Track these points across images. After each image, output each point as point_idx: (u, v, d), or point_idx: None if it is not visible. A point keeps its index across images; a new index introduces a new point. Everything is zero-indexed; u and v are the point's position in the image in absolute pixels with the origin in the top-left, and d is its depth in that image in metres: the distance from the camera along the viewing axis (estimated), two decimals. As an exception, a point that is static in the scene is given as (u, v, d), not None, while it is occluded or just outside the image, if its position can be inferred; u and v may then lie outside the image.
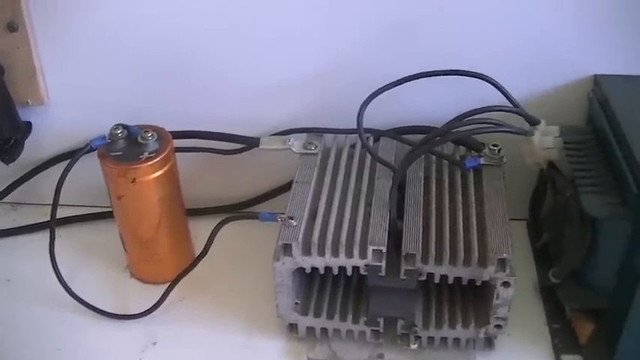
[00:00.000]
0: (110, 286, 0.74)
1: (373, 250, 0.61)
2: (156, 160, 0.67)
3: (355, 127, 0.71)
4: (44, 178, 0.81)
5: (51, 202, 0.81)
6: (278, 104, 0.74)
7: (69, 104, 0.77)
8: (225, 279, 0.74)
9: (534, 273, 0.73)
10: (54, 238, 0.70)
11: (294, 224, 0.63)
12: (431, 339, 0.65)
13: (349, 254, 0.62)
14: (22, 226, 0.81)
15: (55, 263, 0.69)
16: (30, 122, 0.77)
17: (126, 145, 0.68)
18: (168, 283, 0.71)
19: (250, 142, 0.71)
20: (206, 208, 0.79)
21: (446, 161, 0.70)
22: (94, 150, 0.68)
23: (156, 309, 0.70)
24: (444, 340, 0.65)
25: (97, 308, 0.70)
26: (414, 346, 0.65)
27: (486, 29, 0.69)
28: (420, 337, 0.65)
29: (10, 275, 0.76)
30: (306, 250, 0.62)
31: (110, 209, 0.80)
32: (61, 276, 0.69)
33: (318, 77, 0.73)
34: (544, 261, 0.73)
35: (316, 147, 0.70)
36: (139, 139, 0.68)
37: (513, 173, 0.71)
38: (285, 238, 0.62)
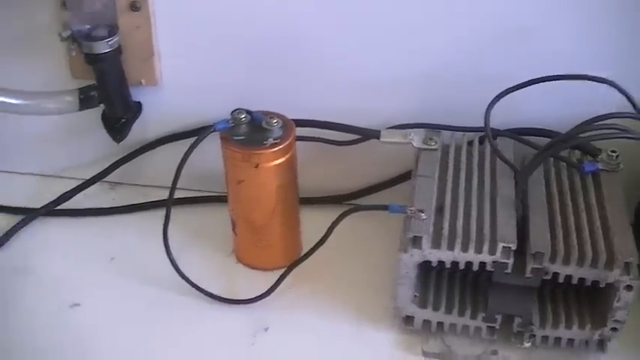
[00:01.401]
0: (215, 270, 0.74)
1: (503, 247, 0.62)
2: (280, 147, 0.68)
3: (471, 125, 0.72)
4: (146, 159, 0.81)
5: (152, 184, 0.83)
6: (389, 98, 0.75)
7: (180, 87, 0.77)
8: (335, 268, 0.74)
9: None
10: (169, 219, 0.70)
11: (424, 217, 0.63)
12: (545, 338, 0.66)
13: (478, 250, 0.62)
14: (124, 206, 0.82)
15: (168, 245, 0.70)
16: (140, 102, 0.78)
17: (249, 130, 0.69)
18: (277, 270, 0.72)
19: (370, 134, 0.71)
20: (310, 198, 0.79)
21: (563, 164, 0.70)
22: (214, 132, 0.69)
23: (269, 295, 0.70)
24: (557, 340, 0.66)
25: (207, 292, 0.70)
26: (527, 344, 0.66)
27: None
28: (534, 336, 0.66)
29: (114, 254, 0.76)
30: (436, 244, 0.63)
31: (215, 194, 0.81)
32: (173, 258, 0.70)
33: (434, 73, 0.73)
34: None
35: (436, 143, 0.71)
36: (264, 125, 0.68)
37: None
38: (416, 230, 0.62)
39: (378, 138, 0.71)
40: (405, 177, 0.77)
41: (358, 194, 0.80)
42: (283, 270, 0.71)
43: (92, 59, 0.72)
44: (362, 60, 0.73)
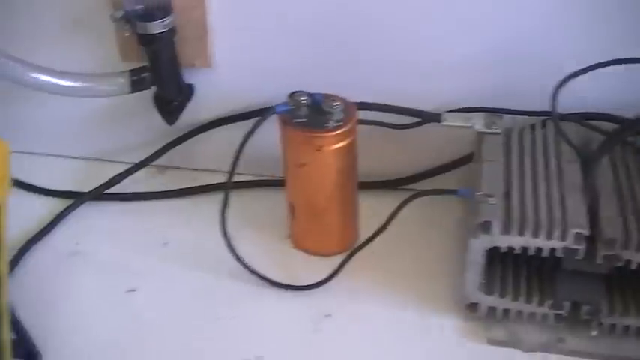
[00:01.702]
0: (271, 255, 0.73)
1: (575, 232, 0.60)
2: (343, 130, 0.66)
3: (534, 109, 0.71)
4: (196, 142, 0.80)
5: (201, 168, 0.82)
6: (448, 80, 0.73)
7: (234, 69, 0.75)
8: (394, 254, 0.72)
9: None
10: (227, 204, 0.68)
11: (493, 202, 0.62)
12: (612, 326, 0.65)
13: (549, 235, 0.61)
14: (175, 190, 0.80)
15: (226, 231, 0.68)
16: (192, 85, 0.76)
17: (309, 113, 0.67)
18: (334, 256, 0.71)
19: (432, 118, 0.70)
20: (365, 183, 0.78)
21: (628, 148, 0.69)
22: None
23: (330, 280, 0.69)
24: (625, 328, 0.65)
25: (267, 278, 0.69)
26: (594, 333, 0.65)
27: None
28: (601, 324, 0.65)
29: (167, 239, 0.75)
30: (506, 229, 0.61)
31: (269, 178, 0.79)
32: (232, 244, 0.68)
33: (495, 57, 0.71)
34: None
35: (498, 127, 0.69)
36: (325, 107, 0.67)
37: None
38: (486, 215, 0.61)
39: (439, 121, 0.70)
40: (460, 162, 0.76)
41: (412, 179, 0.79)
42: (339, 256, 0.70)
43: (146, 40, 0.70)
44: (423, 41, 0.72)
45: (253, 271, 0.69)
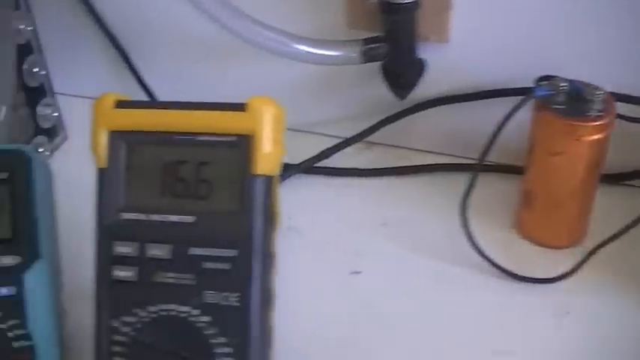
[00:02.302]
0: (499, 244, 0.69)
1: None
2: (604, 121, 0.62)
3: None
4: (412, 120, 0.76)
5: (411, 147, 0.79)
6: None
7: (470, 46, 0.71)
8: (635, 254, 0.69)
9: None
10: (472, 188, 0.65)
11: None
12: None
13: None
14: (390, 168, 0.77)
15: (465, 216, 0.65)
16: (424, 60, 0.73)
17: (567, 100, 0.64)
18: (564, 249, 0.68)
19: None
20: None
21: None
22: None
23: (571, 275, 0.65)
24: None
25: (502, 267, 0.65)
26: None
27: None
28: None
29: (385, 219, 0.72)
30: None
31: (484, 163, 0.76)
32: (470, 230, 0.65)
33: None
34: None
35: None
36: (586, 95, 0.63)
37: None
38: None
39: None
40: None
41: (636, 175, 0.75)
42: (568, 249, 0.67)
43: (392, 9, 0.67)
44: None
45: (490, 261, 0.66)
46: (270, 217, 0.49)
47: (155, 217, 0.49)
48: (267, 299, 0.49)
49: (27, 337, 0.52)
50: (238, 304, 0.48)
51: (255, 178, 0.47)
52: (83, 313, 0.55)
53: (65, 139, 0.83)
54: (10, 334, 0.52)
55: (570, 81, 0.64)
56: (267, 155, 0.48)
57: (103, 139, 0.49)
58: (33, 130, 0.78)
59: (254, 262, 0.48)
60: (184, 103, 0.49)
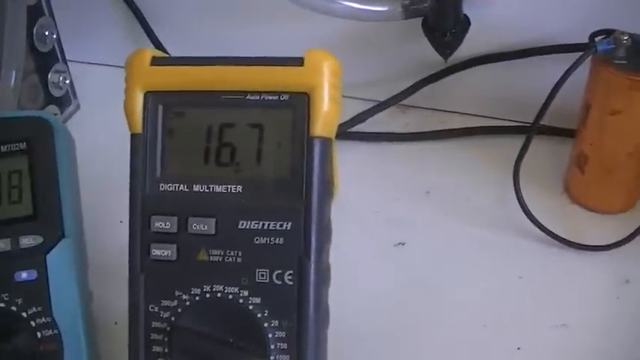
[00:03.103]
0: (550, 210, 0.64)
1: None
2: (665, 77, 0.58)
3: None
4: (449, 81, 0.72)
5: (447, 109, 0.75)
6: None
7: (515, 2, 0.66)
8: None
9: None
10: (526, 150, 0.61)
11: None
12: None
13: None
14: (431, 132, 0.72)
15: (518, 182, 0.61)
16: (467, 16, 0.67)
17: (628, 54, 0.59)
18: (619, 214, 0.64)
19: None
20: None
21: None
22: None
23: (628, 242, 0.60)
24: None
25: (556, 235, 0.61)
26: None
27: None
28: None
29: (428, 187, 0.67)
30: None
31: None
32: (523, 200, 0.61)
33: None
34: None
35: None
36: (645, 49, 0.59)
37: None
38: None
39: None
40: None
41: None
42: (623, 214, 0.64)
43: (435, -40, 0.62)
44: None
45: (545, 229, 0.61)
46: (326, 185, 0.44)
47: (198, 188, 0.44)
48: (323, 276, 0.44)
49: (52, 325, 0.47)
50: (292, 282, 0.43)
51: (313, 140, 0.42)
52: (110, 297, 0.51)
53: (77, 108, 0.78)
54: (33, 323, 0.47)
55: (631, 35, 0.59)
56: (327, 114, 0.42)
57: (138, 100, 0.44)
58: (43, 99, 0.73)
59: (310, 236, 0.43)
60: (230, 59, 0.43)
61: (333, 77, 0.42)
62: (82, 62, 0.82)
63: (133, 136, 0.44)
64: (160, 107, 0.44)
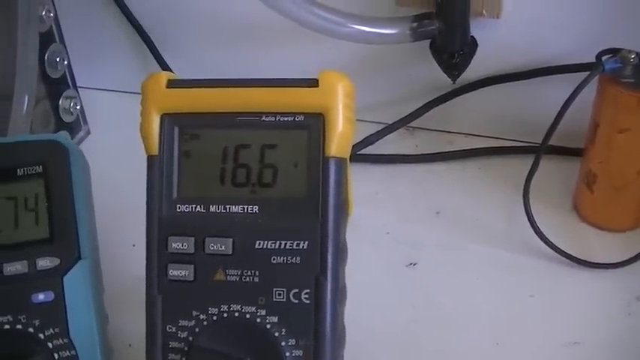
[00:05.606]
0: (560, 228, 0.65)
1: None
2: (675, 94, 0.59)
3: None
4: (456, 102, 0.72)
5: (455, 130, 0.75)
6: None
7: (522, 21, 0.67)
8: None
9: None
10: (535, 169, 0.62)
11: None
12: None
13: None
14: (438, 153, 0.73)
15: (528, 201, 0.61)
16: (474, 37, 0.68)
17: (635, 73, 0.60)
18: (627, 232, 0.65)
19: None
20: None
21: None
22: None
23: (638, 259, 0.61)
24: None
25: (567, 253, 0.61)
26: None
27: None
28: None
29: (438, 207, 0.68)
30: None
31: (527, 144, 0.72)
32: (533, 219, 0.62)
33: None
34: None
35: None
36: (656, 67, 0.59)
37: None
38: None
39: None
40: None
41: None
42: (632, 232, 0.64)
43: (443, -17, 0.63)
44: None
45: (555, 247, 0.62)
46: (342, 204, 0.44)
47: (214, 209, 0.44)
48: (339, 295, 0.45)
49: (69, 346, 0.48)
50: (309, 301, 0.43)
51: (328, 160, 0.43)
52: (124, 319, 0.52)
53: (88, 134, 0.79)
54: (50, 344, 0.48)
55: (638, 53, 0.60)
56: (342, 135, 0.43)
57: (155, 123, 0.44)
58: (54, 125, 0.74)
59: (327, 255, 0.43)
60: (244, 80, 0.44)
61: (347, 98, 0.43)
62: (93, 88, 0.83)
63: (150, 158, 0.45)
64: (176, 129, 0.45)
